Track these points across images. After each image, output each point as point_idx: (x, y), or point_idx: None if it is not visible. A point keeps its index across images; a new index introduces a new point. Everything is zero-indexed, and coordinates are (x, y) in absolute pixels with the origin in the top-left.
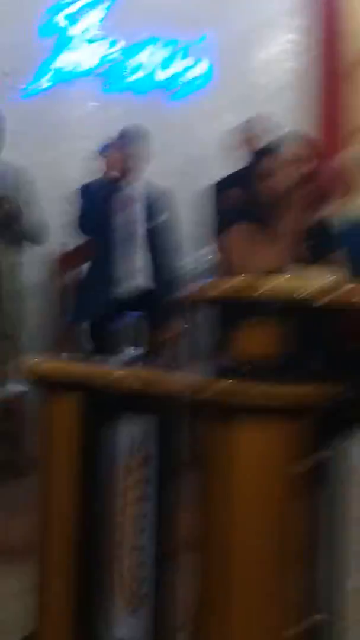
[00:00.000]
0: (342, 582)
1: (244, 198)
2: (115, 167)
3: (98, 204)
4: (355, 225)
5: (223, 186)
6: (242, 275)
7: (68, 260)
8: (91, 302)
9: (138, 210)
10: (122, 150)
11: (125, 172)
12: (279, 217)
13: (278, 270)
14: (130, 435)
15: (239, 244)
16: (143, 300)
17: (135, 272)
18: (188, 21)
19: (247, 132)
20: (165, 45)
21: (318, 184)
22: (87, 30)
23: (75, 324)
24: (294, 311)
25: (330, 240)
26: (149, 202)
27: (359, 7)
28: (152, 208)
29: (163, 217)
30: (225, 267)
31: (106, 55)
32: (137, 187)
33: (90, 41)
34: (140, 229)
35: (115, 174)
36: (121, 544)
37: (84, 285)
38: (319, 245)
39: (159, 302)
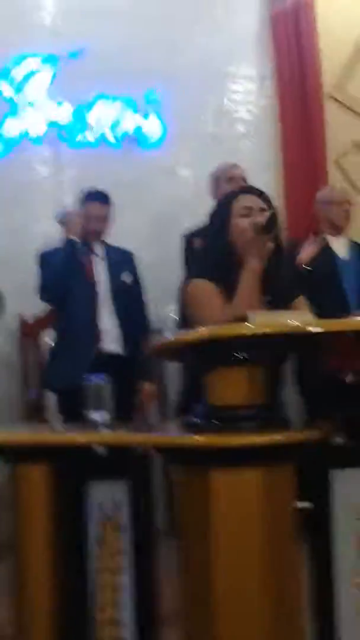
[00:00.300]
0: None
1: (204, 251)
2: (75, 231)
3: (59, 271)
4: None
5: (190, 239)
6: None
7: (32, 328)
8: (63, 369)
9: (102, 273)
10: (82, 214)
11: (86, 235)
12: (236, 271)
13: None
14: (100, 503)
15: (196, 299)
16: (113, 364)
17: (103, 335)
18: (137, 77)
19: (217, 177)
20: (115, 102)
21: (275, 234)
22: (33, 96)
23: (45, 392)
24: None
25: (293, 288)
26: (113, 263)
27: (321, 50)
28: (118, 270)
29: (129, 278)
30: (184, 323)
31: (55, 120)
32: (101, 249)
33: (38, 106)
34: (106, 291)
35: (73, 237)
36: (99, 619)
37: (54, 353)
38: (281, 293)
39: (130, 364)
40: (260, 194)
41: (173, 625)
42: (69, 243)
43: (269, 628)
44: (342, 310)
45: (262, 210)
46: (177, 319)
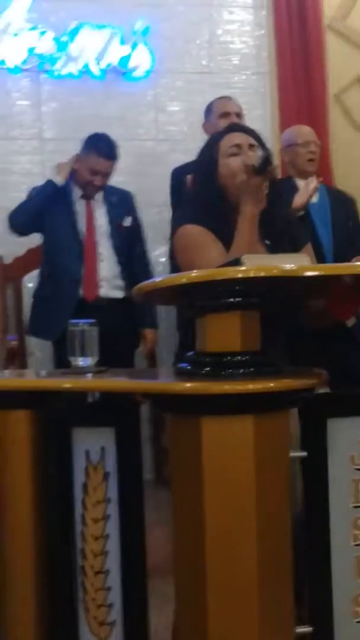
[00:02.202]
0: (327, 591)
1: (194, 196)
2: (63, 175)
3: (33, 204)
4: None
5: (181, 175)
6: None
7: (12, 271)
8: (52, 316)
9: (101, 217)
10: (86, 163)
11: (87, 185)
12: (230, 215)
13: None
14: (86, 451)
15: (191, 246)
16: (113, 309)
17: (102, 282)
18: (124, 3)
19: (209, 112)
20: (100, 30)
21: (270, 173)
22: (12, 22)
23: (25, 338)
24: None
25: (300, 233)
26: (113, 207)
27: None
28: (118, 213)
29: (129, 222)
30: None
31: (35, 48)
32: (100, 192)
33: (16, 33)
34: (105, 237)
35: (59, 179)
36: (84, 569)
37: (43, 296)
38: (283, 237)
39: (131, 309)
40: (248, 130)
41: (160, 574)
42: (49, 183)
43: (260, 576)
44: (317, 255)
45: (252, 146)
46: (170, 266)
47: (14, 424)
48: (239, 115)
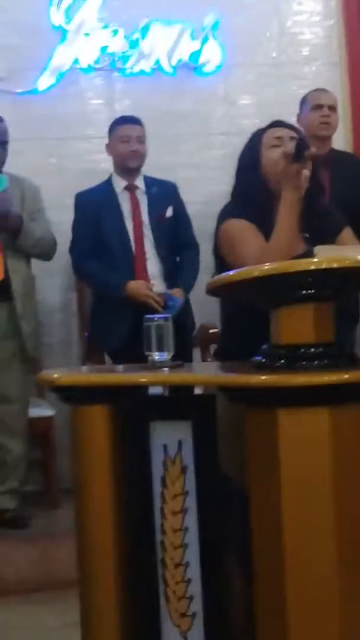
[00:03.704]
0: None
1: (237, 188)
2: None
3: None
4: None
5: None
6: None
7: None
8: (107, 332)
9: (144, 209)
10: (117, 142)
11: (126, 166)
12: (273, 206)
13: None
14: (163, 445)
15: (233, 239)
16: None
17: (152, 280)
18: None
19: (303, 103)
20: (171, 26)
21: (306, 160)
22: (83, 22)
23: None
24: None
25: (336, 220)
26: (153, 197)
27: None
28: (158, 204)
29: (170, 212)
30: (220, 265)
31: (107, 47)
32: (141, 184)
33: (89, 33)
34: (147, 229)
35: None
36: (164, 561)
37: (101, 308)
38: (322, 228)
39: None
40: (291, 126)
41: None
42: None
43: (340, 573)
44: None
45: (292, 138)
46: (214, 261)
47: (92, 420)
48: (332, 107)
